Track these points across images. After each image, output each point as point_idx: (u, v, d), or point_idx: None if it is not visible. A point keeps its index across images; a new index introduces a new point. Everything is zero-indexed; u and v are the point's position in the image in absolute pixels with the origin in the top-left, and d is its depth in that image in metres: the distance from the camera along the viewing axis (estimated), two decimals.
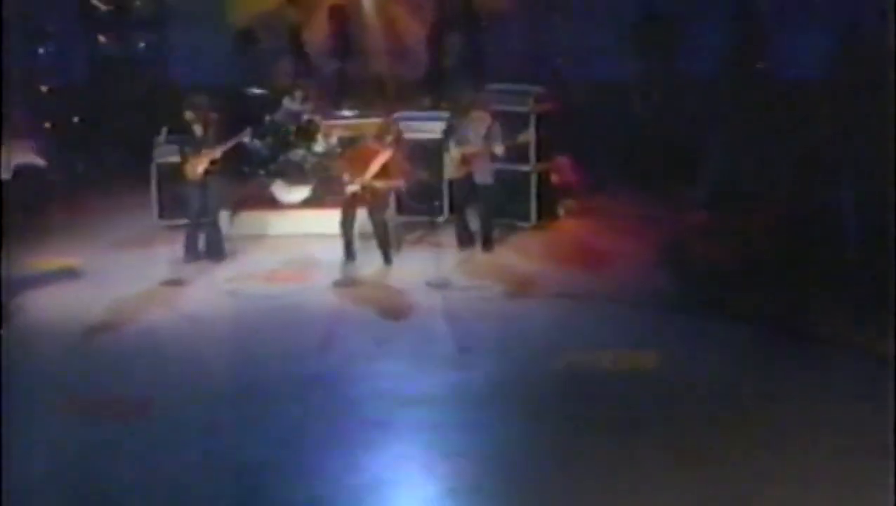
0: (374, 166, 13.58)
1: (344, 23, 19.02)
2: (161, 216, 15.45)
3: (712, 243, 14.11)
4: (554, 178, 15.59)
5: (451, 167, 14.40)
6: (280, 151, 15.51)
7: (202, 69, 19.00)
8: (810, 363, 11.05)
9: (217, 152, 13.78)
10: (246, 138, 14.25)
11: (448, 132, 14.80)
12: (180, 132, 14.13)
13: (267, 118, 15.87)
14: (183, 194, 14.39)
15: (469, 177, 14.22)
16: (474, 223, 14.52)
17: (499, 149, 14.08)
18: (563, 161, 15.86)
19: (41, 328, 12.22)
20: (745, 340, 11.68)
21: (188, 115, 13.82)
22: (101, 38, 19.49)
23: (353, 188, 13.60)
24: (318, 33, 19.21)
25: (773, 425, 9.71)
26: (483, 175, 14.17)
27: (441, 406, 10.40)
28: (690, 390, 10.50)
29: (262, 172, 15.65)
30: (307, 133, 15.53)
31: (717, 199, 15.10)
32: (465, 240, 14.40)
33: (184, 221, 14.48)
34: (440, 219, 15.28)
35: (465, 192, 14.37)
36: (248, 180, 15.67)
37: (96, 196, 16.57)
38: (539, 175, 15.21)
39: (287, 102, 15.84)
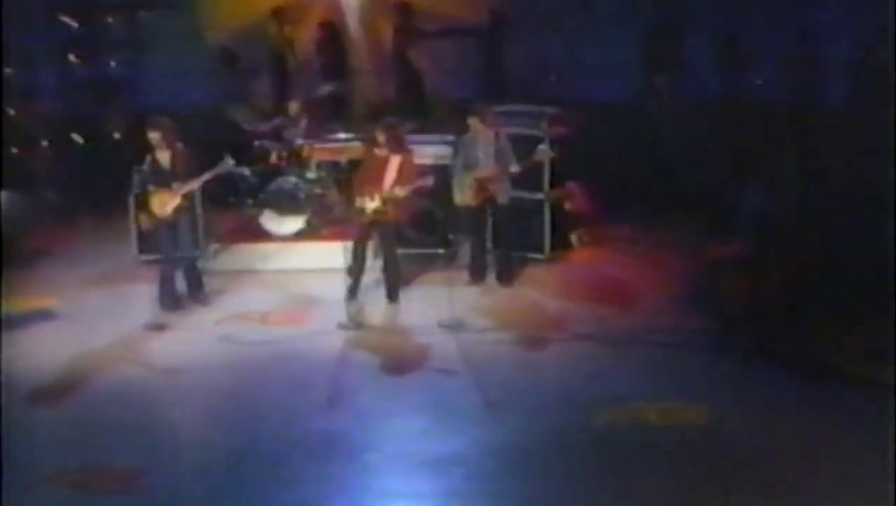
0: (391, 173, 12.26)
1: (333, 40, 17.77)
2: (141, 251, 14.09)
3: (746, 276, 12.82)
4: (566, 205, 14.29)
5: (463, 193, 13.02)
6: (269, 178, 14.12)
7: (178, 91, 17.80)
8: (871, 413, 9.75)
9: (189, 186, 12.30)
10: (224, 169, 12.66)
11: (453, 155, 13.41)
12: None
13: (256, 142, 14.53)
14: (153, 233, 13.03)
15: (485, 203, 12.97)
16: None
17: (515, 168, 12.87)
18: (573, 187, 14.59)
19: (11, 385, 10.80)
20: (797, 388, 10.53)
21: (153, 136, 12.23)
22: (71, 58, 18.09)
23: (373, 204, 12.26)
24: (304, 51, 17.88)
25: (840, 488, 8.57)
26: (501, 199, 12.94)
27: (470, 470, 9.22)
28: (747, 448, 9.40)
29: (249, 201, 14.30)
30: (300, 158, 14.19)
31: (750, 228, 13.86)
32: (478, 274, 13.19)
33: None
34: (444, 251, 14.01)
35: (479, 220, 13.10)
36: (234, 211, 14.27)
37: (70, 229, 15.15)
38: (552, 203, 13.91)
39: (280, 123, 14.45)
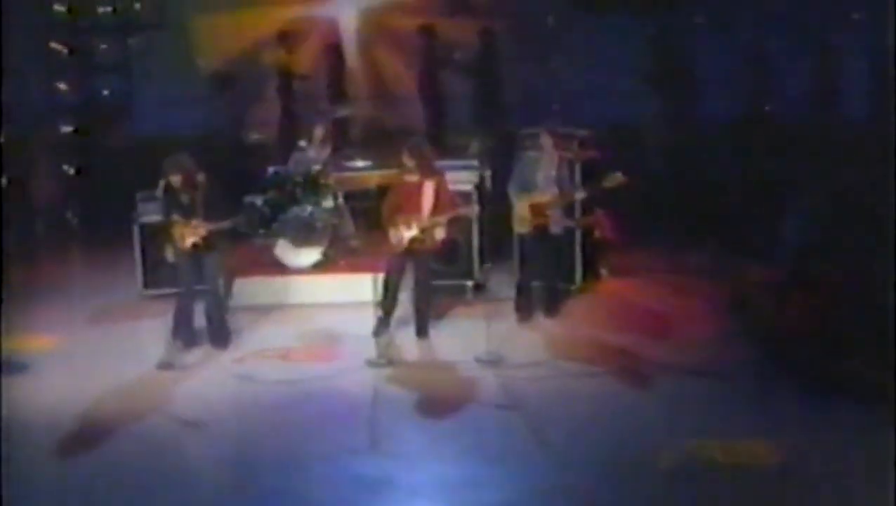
0: (427, 201, 11.44)
1: (339, 64, 17.03)
2: (147, 285, 13.23)
3: (789, 303, 12.07)
4: (596, 233, 13.54)
5: (516, 220, 12.21)
6: (283, 208, 13.27)
7: (172, 117, 17.03)
8: None
9: (206, 228, 11.41)
10: (239, 225, 11.77)
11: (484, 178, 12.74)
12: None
13: (270, 169, 13.70)
14: (173, 263, 12.11)
15: (540, 231, 12.14)
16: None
17: (580, 194, 12.10)
18: (600, 214, 13.81)
19: (13, 432, 9.85)
20: (858, 416, 9.70)
21: (174, 180, 11.37)
22: (62, 86, 17.27)
23: (410, 233, 11.42)
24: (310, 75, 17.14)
25: None
26: (556, 227, 12.15)
27: None
28: (817, 484, 8.64)
29: (261, 231, 13.42)
30: (316, 184, 13.35)
31: (789, 251, 13.15)
32: (526, 308, 12.34)
33: (174, 291, 12.24)
34: (470, 283, 13.22)
35: (531, 249, 12.29)
36: (247, 242, 13.41)
37: (70, 261, 14.24)
38: (583, 230, 13.15)
39: (303, 145, 13.61)
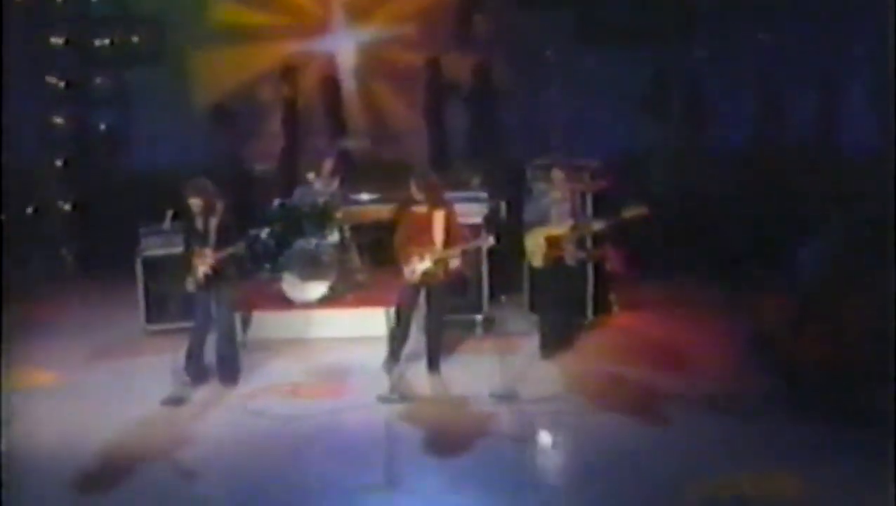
0: (439, 231, 11.21)
1: (338, 98, 16.83)
2: (149, 320, 12.93)
3: (805, 334, 11.82)
4: (607, 266, 13.31)
5: (535, 254, 11.96)
6: (289, 241, 13.01)
7: (170, 151, 16.75)
8: None
9: (224, 253, 11.18)
10: (238, 250, 11.46)
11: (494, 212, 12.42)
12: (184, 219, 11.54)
13: (276, 202, 13.45)
14: (186, 296, 11.88)
15: (556, 264, 11.89)
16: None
17: (598, 225, 11.86)
18: (608, 248, 13.57)
19: (13, 471, 9.56)
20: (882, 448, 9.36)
21: (193, 203, 11.14)
22: (57, 120, 16.98)
23: (423, 266, 11.19)
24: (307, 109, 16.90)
25: None
26: (571, 260, 11.89)
27: None
28: None
29: (266, 265, 13.14)
30: (323, 217, 13.10)
31: (807, 285, 12.93)
32: (551, 344, 12.06)
33: (178, 326, 12.26)
34: (479, 317, 12.97)
35: (549, 283, 12.02)
36: (252, 276, 13.15)
37: (71, 296, 13.95)
38: (595, 263, 12.91)
39: (311, 178, 13.37)
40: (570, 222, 11.80)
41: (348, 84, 17.82)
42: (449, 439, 10.22)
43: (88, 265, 14.97)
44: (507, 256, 13.02)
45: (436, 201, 11.32)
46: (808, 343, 11.70)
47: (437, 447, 10.07)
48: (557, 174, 11.87)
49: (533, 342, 12.24)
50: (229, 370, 11.46)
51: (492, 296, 13.08)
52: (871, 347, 11.01)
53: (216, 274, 11.08)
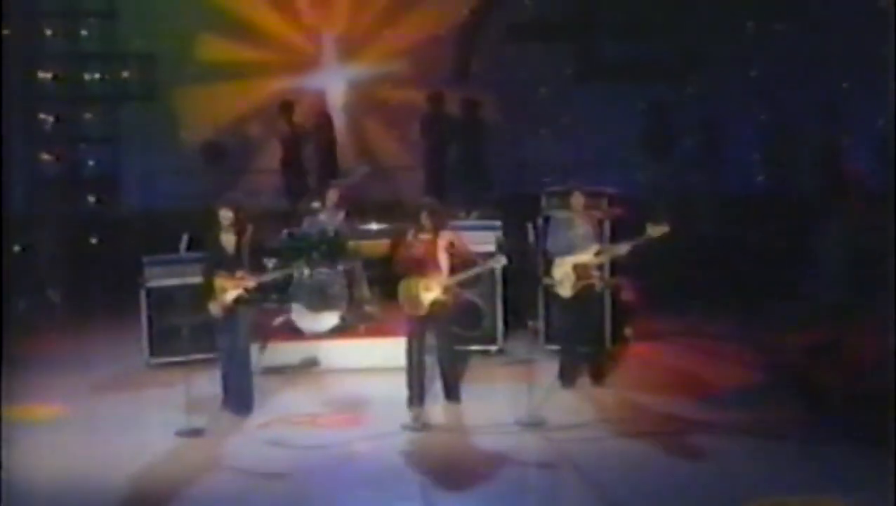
0: (444, 260, 10.83)
1: (330, 133, 16.60)
2: (153, 354, 12.51)
3: (825, 363, 11.62)
4: (622, 295, 13.03)
5: (564, 283, 11.55)
6: (297, 271, 12.63)
7: (158, 190, 16.39)
8: None
9: (258, 280, 10.83)
10: (298, 273, 11.19)
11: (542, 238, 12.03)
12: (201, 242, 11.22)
13: (284, 232, 13.09)
14: (193, 328, 12.00)
15: (586, 293, 11.51)
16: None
17: (624, 248, 11.48)
18: (621, 279, 13.28)
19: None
20: None
21: (224, 214, 10.76)
22: (45, 156, 16.60)
23: (431, 295, 10.75)
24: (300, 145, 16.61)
25: None
26: (601, 286, 11.58)
27: None
28: None
29: (274, 296, 12.75)
30: (333, 247, 12.76)
31: (817, 315, 12.78)
32: (570, 375, 11.71)
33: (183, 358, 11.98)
34: (493, 348, 12.65)
35: (576, 313, 11.62)
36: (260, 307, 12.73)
37: (72, 331, 13.52)
38: (612, 292, 12.63)
39: (316, 207, 13.05)
40: (595, 248, 11.45)
41: (340, 120, 17.59)
42: (476, 466, 9.88)
43: (86, 300, 14.44)
44: (522, 286, 12.69)
45: (439, 228, 10.94)
46: (824, 369, 11.50)
47: (464, 476, 9.70)
48: (578, 199, 11.54)
49: (549, 373, 11.83)
50: (244, 399, 11.05)
51: (507, 325, 12.67)
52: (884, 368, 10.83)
53: (247, 298, 10.66)
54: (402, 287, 10.91)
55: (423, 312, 10.86)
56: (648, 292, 13.61)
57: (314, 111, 17.01)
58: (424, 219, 10.85)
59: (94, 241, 16.46)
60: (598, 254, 11.50)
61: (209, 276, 10.85)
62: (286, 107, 16.32)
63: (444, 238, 10.91)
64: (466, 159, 16.65)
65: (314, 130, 16.63)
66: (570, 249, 11.46)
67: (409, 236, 10.94)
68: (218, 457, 10.22)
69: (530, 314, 12.69)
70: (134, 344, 12.80)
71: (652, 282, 13.72)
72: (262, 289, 11.04)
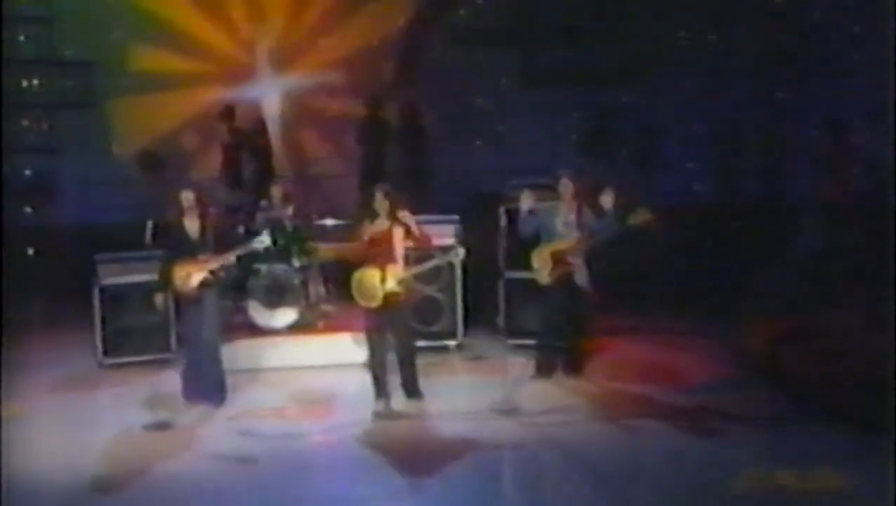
0: (400, 250, 10.56)
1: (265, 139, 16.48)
2: (107, 353, 12.21)
3: (793, 350, 11.65)
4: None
5: (541, 270, 11.41)
6: (251, 267, 12.44)
7: (98, 199, 16.07)
8: None
9: (220, 260, 10.65)
10: (260, 245, 10.95)
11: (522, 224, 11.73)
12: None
13: (240, 228, 12.89)
14: (147, 327, 11.98)
15: (565, 281, 11.34)
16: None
17: (605, 235, 11.25)
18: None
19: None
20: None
21: (186, 196, 10.59)
22: None
23: (385, 288, 10.48)
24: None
25: None
26: (581, 276, 11.38)
27: None
28: None
29: (230, 293, 12.51)
30: (294, 241, 12.59)
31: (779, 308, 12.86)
32: (547, 366, 11.54)
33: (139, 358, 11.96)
34: (453, 343, 12.56)
35: (553, 302, 11.44)
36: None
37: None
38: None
39: (264, 206, 12.87)
40: (575, 235, 11.31)
41: (275, 129, 17.45)
42: (451, 450, 9.68)
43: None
44: (481, 278, 12.62)
45: (396, 217, 10.63)
46: (793, 356, 11.57)
47: (439, 459, 9.50)
48: (567, 186, 11.35)
49: (514, 367, 11.76)
50: (217, 388, 10.81)
51: (466, 320, 12.59)
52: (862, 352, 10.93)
53: (214, 280, 10.47)
54: (356, 278, 10.56)
55: (377, 304, 10.55)
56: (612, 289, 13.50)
57: (249, 117, 16.77)
58: (379, 203, 10.55)
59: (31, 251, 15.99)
60: (578, 242, 11.29)
61: (172, 262, 10.60)
62: (227, 112, 16.13)
63: (399, 226, 10.60)
64: (407, 164, 16.54)
65: (250, 135, 16.41)
66: (548, 238, 11.31)
67: (365, 224, 10.66)
68: (188, 447, 9.95)
69: (491, 309, 12.58)
70: (81, 347, 12.51)
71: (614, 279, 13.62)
72: (225, 270, 10.77)
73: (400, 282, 10.58)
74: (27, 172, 16.66)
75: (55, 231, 16.35)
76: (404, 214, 10.55)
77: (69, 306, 13.62)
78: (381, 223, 10.60)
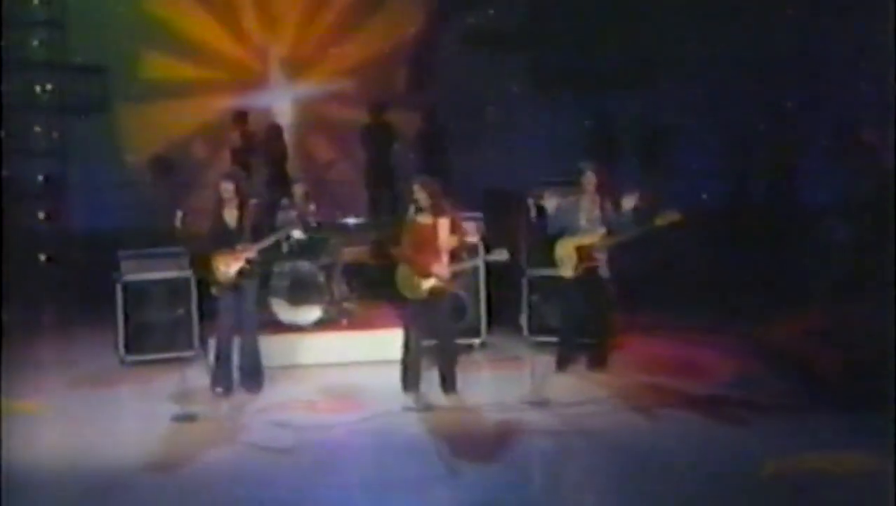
0: (444, 243, 10.52)
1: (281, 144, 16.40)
2: (129, 351, 12.12)
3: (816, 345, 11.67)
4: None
5: (565, 263, 11.36)
6: (276, 263, 12.37)
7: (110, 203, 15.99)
8: None
9: (256, 247, 10.65)
10: (296, 233, 11.07)
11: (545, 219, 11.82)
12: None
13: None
14: (170, 323, 11.97)
15: (589, 276, 11.27)
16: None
17: (632, 234, 11.16)
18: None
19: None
20: None
21: (226, 187, 10.60)
22: None
23: (429, 282, 10.49)
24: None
25: None
26: (605, 271, 11.31)
27: None
28: None
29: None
30: (316, 239, 12.54)
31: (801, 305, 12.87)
32: (568, 360, 11.54)
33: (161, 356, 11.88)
34: (477, 341, 12.50)
35: (577, 296, 11.39)
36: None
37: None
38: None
39: (285, 204, 12.81)
40: (602, 230, 11.26)
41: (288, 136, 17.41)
42: (487, 439, 9.72)
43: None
44: (504, 276, 12.59)
45: (439, 209, 10.62)
46: (816, 350, 11.54)
47: (476, 448, 9.51)
48: (590, 178, 11.28)
49: (538, 364, 11.68)
50: (255, 376, 10.86)
51: (490, 318, 12.53)
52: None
53: (250, 270, 10.49)
54: (400, 272, 10.60)
55: (421, 297, 10.54)
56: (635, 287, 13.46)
57: (265, 122, 16.73)
58: (422, 192, 10.53)
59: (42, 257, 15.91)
60: (604, 237, 11.22)
61: (210, 252, 10.61)
62: (239, 117, 16.09)
63: (444, 220, 10.58)
64: (423, 167, 16.47)
65: (265, 141, 16.35)
66: (572, 232, 11.27)
67: (410, 216, 10.65)
68: (220, 437, 9.89)
69: (514, 307, 12.55)
70: (101, 345, 12.48)
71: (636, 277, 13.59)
72: (262, 257, 10.79)
73: (444, 278, 10.52)
74: (39, 177, 16.46)
75: (67, 235, 16.24)
76: (449, 214, 10.53)
77: (86, 307, 13.56)
78: (425, 217, 10.53)
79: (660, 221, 11.04)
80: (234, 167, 10.90)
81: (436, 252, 10.52)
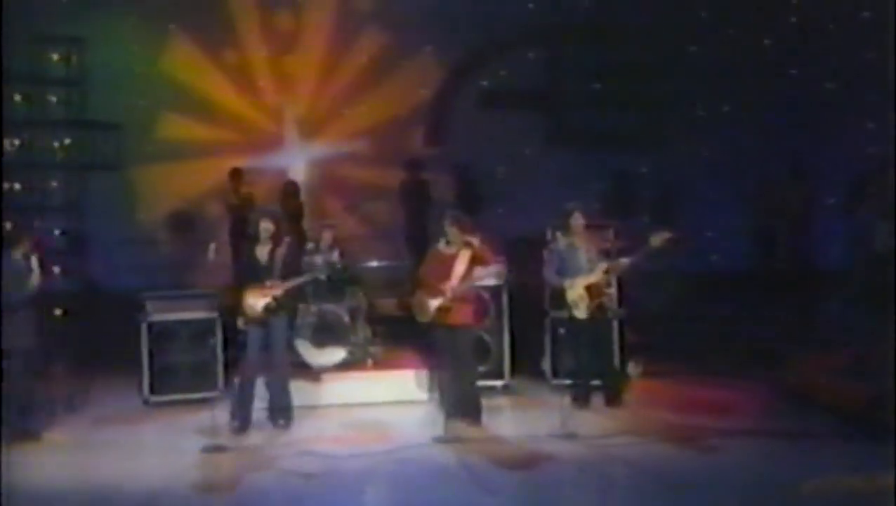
0: (459, 268, 10.71)
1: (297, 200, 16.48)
2: (154, 391, 12.09)
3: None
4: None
5: (579, 305, 11.55)
6: (302, 306, 12.42)
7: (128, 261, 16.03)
8: None
9: (284, 287, 10.82)
10: (321, 275, 11.33)
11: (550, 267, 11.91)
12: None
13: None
14: (195, 365, 12.08)
15: (600, 313, 11.53)
16: None
17: (628, 259, 11.48)
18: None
19: None
20: None
21: (265, 227, 10.79)
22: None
23: (436, 303, 10.71)
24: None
25: None
26: (612, 303, 11.62)
27: None
28: None
29: None
30: (342, 282, 12.61)
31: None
32: (583, 397, 11.66)
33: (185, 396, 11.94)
34: (500, 383, 12.51)
35: (594, 334, 11.63)
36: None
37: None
38: (620, 322, 12.57)
39: (310, 248, 12.88)
40: (603, 266, 11.47)
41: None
42: (513, 473, 9.74)
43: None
44: (526, 318, 12.63)
45: (467, 243, 10.85)
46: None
47: (509, 478, 9.59)
48: (578, 220, 11.57)
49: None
50: (284, 412, 10.88)
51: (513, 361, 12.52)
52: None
53: (277, 306, 10.58)
54: (415, 298, 10.95)
55: (428, 318, 10.78)
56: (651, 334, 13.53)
57: (282, 179, 16.83)
58: (449, 229, 10.76)
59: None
60: (607, 271, 11.49)
61: (240, 285, 10.72)
62: (235, 175, 16.15)
63: (466, 251, 10.78)
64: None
65: (281, 197, 16.42)
66: (577, 272, 11.46)
67: (440, 246, 10.82)
68: (250, 466, 9.85)
69: (536, 349, 12.59)
70: (125, 387, 12.49)
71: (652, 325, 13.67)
72: (289, 296, 10.83)
73: (450, 296, 10.66)
74: (56, 232, 16.49)
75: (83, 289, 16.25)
76: (471, 239, 10.63)
77: (110, 352, 13.48)
78: (450, 248, 10.79)
79: (654, 240, 11.23)
80: (272, 207, 10.92)
81: (448, 277, 10.68)
